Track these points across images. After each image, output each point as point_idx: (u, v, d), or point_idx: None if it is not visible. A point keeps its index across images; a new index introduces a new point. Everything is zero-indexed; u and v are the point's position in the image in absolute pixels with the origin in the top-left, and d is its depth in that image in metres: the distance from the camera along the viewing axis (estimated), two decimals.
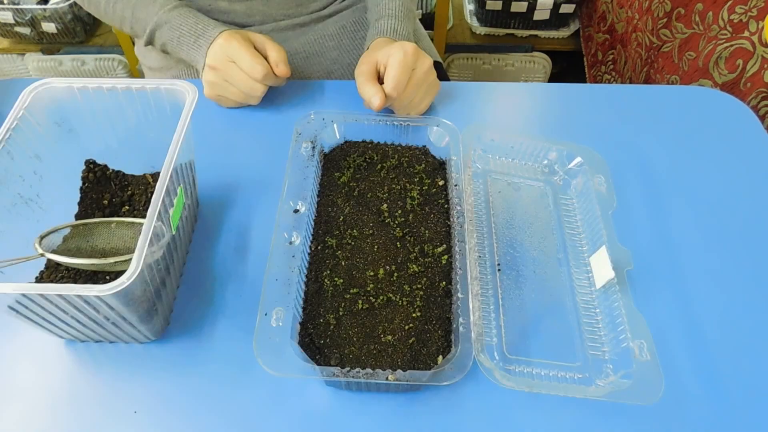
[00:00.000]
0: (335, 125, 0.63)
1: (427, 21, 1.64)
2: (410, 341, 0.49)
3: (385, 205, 0.59)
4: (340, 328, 0.50)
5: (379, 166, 0.62)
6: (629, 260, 0.54)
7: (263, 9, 0.83)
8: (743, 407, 0.49)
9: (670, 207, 0.64)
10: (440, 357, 0.48)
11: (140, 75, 1.08)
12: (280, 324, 0.46)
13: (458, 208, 0.56)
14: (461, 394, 0.50)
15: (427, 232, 0.57)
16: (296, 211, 0.54)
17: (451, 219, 0.57)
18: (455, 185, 0.58)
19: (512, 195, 0.63)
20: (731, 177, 0.67)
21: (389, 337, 0.50)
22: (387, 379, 0.44)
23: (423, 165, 0.62)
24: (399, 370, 0.45)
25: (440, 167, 0.63)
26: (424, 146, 0.64)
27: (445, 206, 0.59)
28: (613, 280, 0.53)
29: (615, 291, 0.53)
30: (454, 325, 0.50)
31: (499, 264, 0.57)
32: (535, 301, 0.55)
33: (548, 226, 0.61)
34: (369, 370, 0.45)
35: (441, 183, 0.61)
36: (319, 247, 0.55)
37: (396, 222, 0.57)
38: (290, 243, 0.52)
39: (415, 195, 0.59)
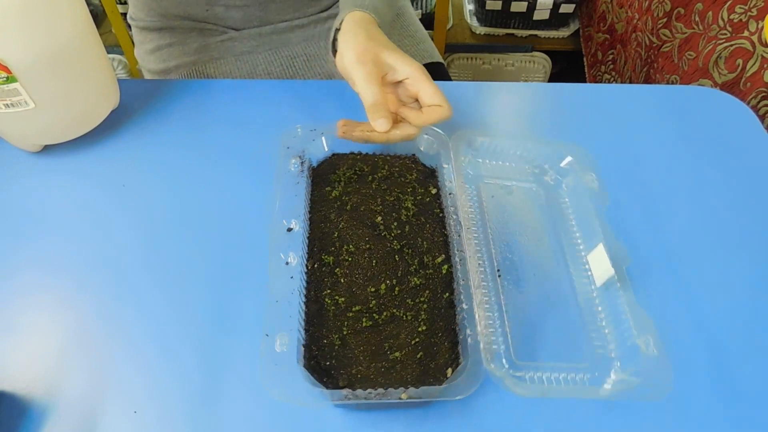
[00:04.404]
0: (323, 138, 0.61)
1: (427, 21, 1.64)
2: (418, 356, 0.48)
3: (379, 218, 0.57)
4: (345, 348, 0.48)
5: (369, 178, 0.60)
6: (627, 256, 0.54)
7: (260, 15, 0.82)
8: (753, 395, 0.50)
9: (669, 207, 0.63)
10: (449, 369, 0.47)
11: (140, 75, 1.08)
12: (285, 349, 0.45)
13: (454, 216, 0.55)
14: (471, 405, 0.49)
15: (425, 242, 0.55)
16: (290, 229, 0.53)
17: (448, 228, 0.56)
18: (449, 193, 0.57)
19: (505, 198, 0.62)
20: (731, 177, 0.66)
21: (397, 354, 0.48)
22: (400, 398, 0.43)
23: (414, 174, 0.61)
24: (411, 388, 0.44)
25: (431, 175, 0.61)
26: (413, 155, 0.63)
27: (440, 215, 0.57)
28: (613, 277, 0.52)
29: (616, 288, 0.52)
30: (461, 336, 0.48)
31: (498, 270, 0.56)
32: (538, 304, 0.54)
33: (544, 227, 0.60)
34: (381, 390, 0.43)
35: (434, 191, 0.59)
36: (315, 266, 0.53)
37: (392, 234, 0.56)
38: (287, 263, 0.51)
39: (409, 206, 0.58)
